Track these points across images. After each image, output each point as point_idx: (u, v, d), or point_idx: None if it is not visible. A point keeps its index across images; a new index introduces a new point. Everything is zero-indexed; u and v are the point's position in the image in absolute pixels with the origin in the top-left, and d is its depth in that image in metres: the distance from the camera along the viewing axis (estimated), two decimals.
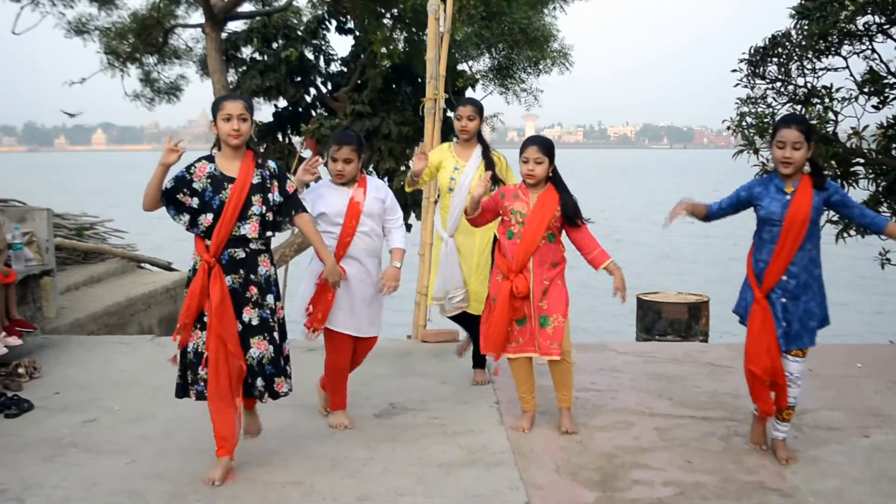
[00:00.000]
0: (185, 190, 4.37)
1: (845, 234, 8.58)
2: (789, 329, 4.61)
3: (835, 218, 8.06)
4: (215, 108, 4.42)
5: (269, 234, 4.51)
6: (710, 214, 4.90)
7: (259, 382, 4.48)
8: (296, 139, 13.50)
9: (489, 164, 6.01)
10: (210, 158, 4.44)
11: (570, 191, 5.19)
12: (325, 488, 4.38)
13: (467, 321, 6.21)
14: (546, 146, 5.13)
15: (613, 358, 7.09)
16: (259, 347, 4.44)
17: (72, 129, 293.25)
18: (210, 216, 4.35)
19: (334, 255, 5.03)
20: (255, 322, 4.43)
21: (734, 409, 5.66)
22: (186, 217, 4.40)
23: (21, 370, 6.37)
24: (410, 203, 12.80)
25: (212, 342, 4.32)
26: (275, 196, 4.49)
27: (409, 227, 13.24)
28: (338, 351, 5.23)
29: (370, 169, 12.97)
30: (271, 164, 4.55)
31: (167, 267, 13.36)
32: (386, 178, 12.99)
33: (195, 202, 4.37)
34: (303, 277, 5.27)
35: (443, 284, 6.03)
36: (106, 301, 10.10)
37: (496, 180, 5.91)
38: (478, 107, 6.11)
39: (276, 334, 4.54)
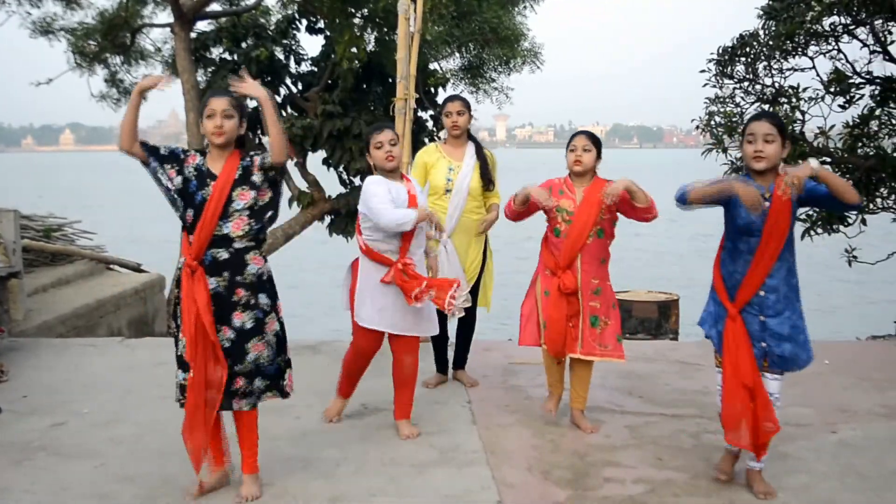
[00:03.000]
0: (175, 164, 4.16)
1: (812, 232, 8.68)
2: (778, 349, 4.21)
3: (801, 215, 8.15)
4: (202, 104, 4.24)
5: (254, 230, 4.23)
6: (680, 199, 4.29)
7: (259, 382, 4.26)
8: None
9: (484, 163, 6.00)
10: (202, 153, 4.26)
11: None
12: (297, 490, 4.36)
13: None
14: (594, 137, 5.12)
15: None
16: (256, 350, 4.23)
17: (39, 130, 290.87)
18: (191, 212, 4.14)
19: (401, 250, 5.03)
20: (248, 325, 4.20)
21: (704, 407, 5.71)
22: (158, 166, 4.13)
23: None
24: None
25: (198, 350, 4.10)
26: (259, 184, 4.22)
27: None
28: (362, 340, 5.26)
29: (340, 169, 12.93)
30: (257, 157, 4.29)
31: (136, 268, 13.25)
32: (358, 178, 12.96)
33: (178, 182, 4.15)
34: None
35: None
36: (74, 303, 10.01)
37: (488, 180, 5.97)
38: (465, 101, 6.08)
39: (273, 335, 4.31)
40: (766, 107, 8.64)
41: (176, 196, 4.17)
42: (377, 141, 5.12)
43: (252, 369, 4.24)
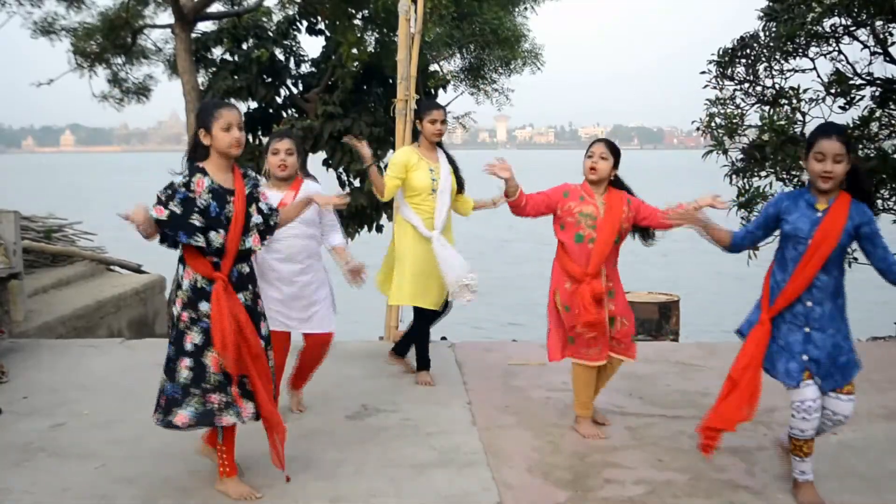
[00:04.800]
0: (196, 208, 4.07)
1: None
2: (818, 367, 4.15)
3: None
4: (210, 115, 4.12)
5: (265, 243, 4.34)
6: (734, 244, 4.45)
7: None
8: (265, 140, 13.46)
9: (455, 166, 6.22)
10: (203, 171, 4.13)
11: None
12: (298, 491, 4.36)
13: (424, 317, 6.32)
14: (612, 146, 5.18)
15: None
16: (272, 358, 4.44)
17: (40, 131, 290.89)
18: (222, 232, 4.10)
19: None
20: (265, 333, 4.36)
21: (704, 408, 5.68)
22: (201, 238, 4.07)
23: None
24: (382, 204, 12.78)
25: (248, 363, 4.16)
26: (263, 205, 4.32)
27: (380, 228, 13.23)
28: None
29: (340, 170, 12.94)
30: (251, 172, 4.37)
31: (137, 269, 13.26)
32: (357, 180, 12.96)
33: (200, 220, 4.07)
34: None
35: (456, 276, 6.00)
36: (75, 304, 10.02)
37: (461, 183, 6.23)
38: (446, 110, 6.32)
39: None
40: (766, 108, 8.64)
41: (200, 234, 4.09)
42: (274, 147, 5.26)
43: (272, 374, 4.41)
